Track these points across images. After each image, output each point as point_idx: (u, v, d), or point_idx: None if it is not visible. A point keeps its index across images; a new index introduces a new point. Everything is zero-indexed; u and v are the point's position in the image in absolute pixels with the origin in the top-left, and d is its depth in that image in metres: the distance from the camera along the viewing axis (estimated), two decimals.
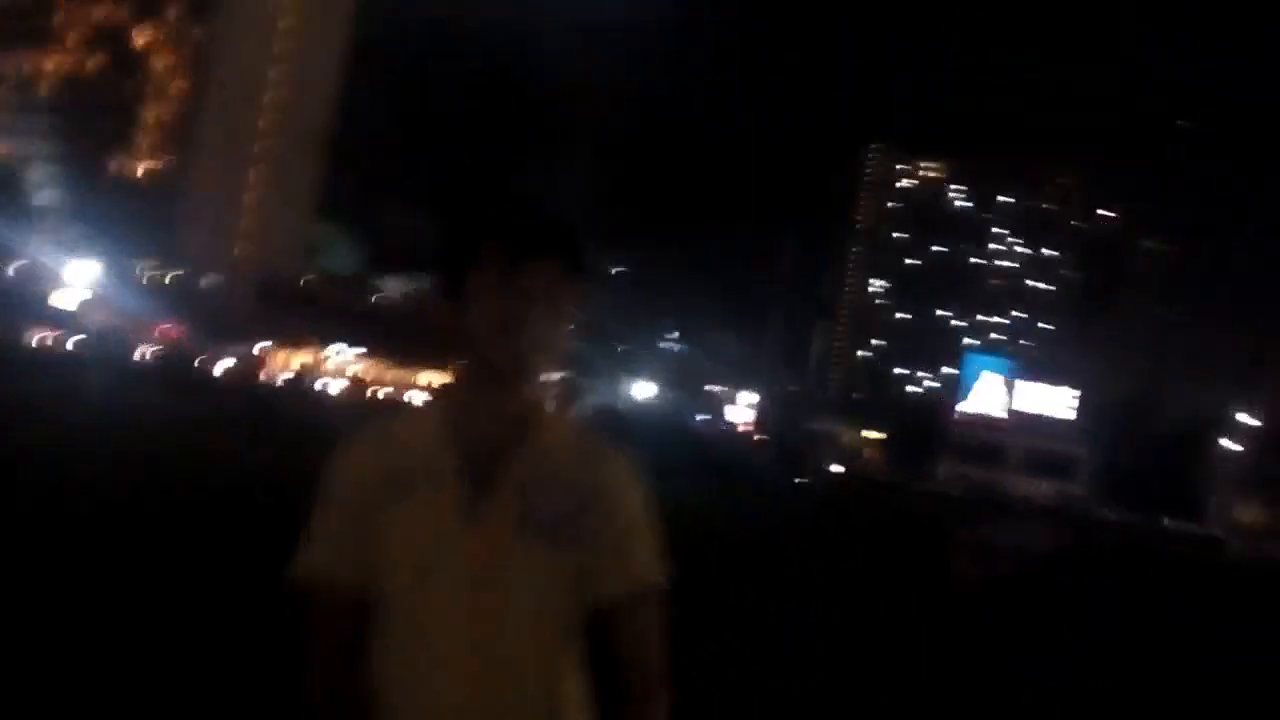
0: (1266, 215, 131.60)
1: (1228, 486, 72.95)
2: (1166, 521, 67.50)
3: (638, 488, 1.71)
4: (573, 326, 1.70)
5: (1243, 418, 72.13)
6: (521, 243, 1.61)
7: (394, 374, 61.05)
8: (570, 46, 71.70)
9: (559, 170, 69.48)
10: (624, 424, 35.51)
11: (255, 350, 56.65)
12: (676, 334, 74.38)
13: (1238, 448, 71.25)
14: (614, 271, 72.65)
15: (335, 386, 55.19)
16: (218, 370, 49.27)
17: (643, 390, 58.42)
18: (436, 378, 58.48)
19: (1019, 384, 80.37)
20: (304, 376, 56.64)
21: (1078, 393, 77.76)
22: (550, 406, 1.73)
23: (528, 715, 1.61)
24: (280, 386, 49.83)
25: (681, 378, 63.02)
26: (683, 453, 27.39)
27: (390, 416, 1.74)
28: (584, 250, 1.68)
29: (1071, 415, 76.54)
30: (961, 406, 77.48)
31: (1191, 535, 61.69)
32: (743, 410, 70.78)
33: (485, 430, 1.64)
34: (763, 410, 73.26)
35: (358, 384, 57.47)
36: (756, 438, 59.91)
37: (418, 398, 53.68)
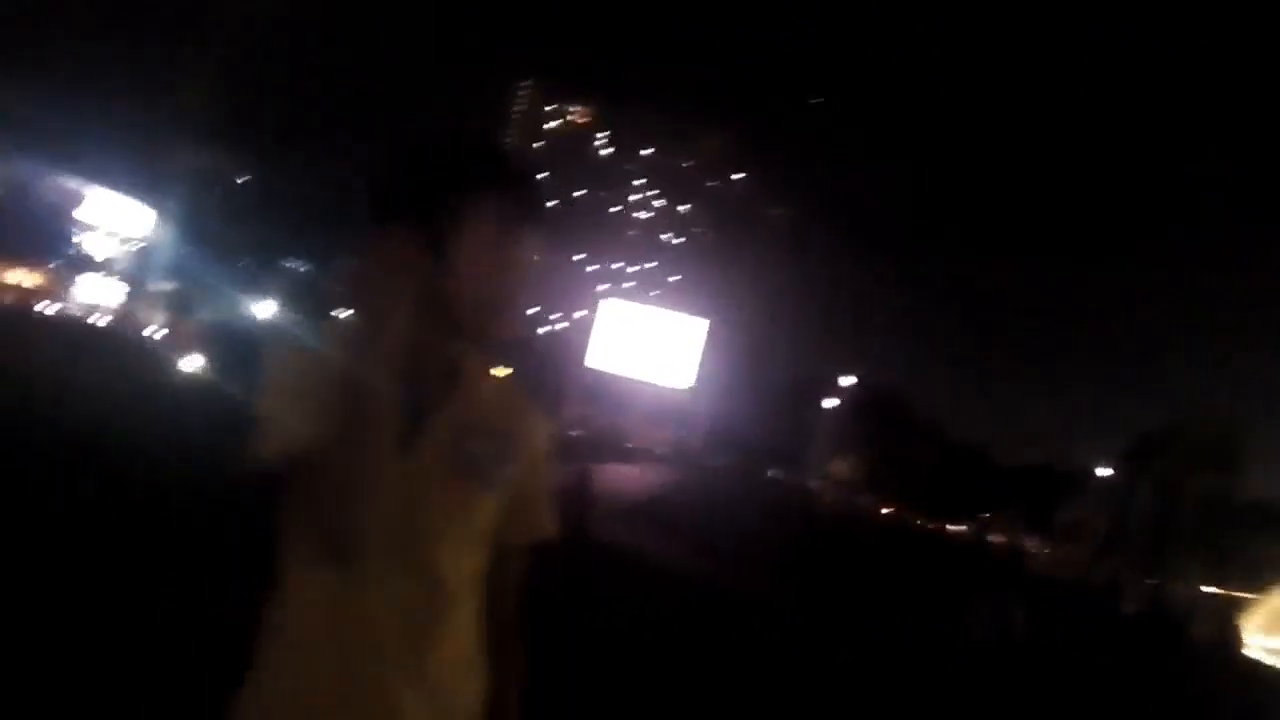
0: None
1: (826, 441, 78.53)
2: (771, 472, 71.88)
3: (550, 444, 1.83)
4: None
5: (844, 379, 77.39)
6: (520, 203, 1.70)
7: None
8: None
9: (191, 69, 64.22)
10: (236, 342, 33.13)
11: None
12: (301, 256, 70.86)
13: (836, 407, 76.57)
14: (240, 180, 68.26)
15: None
16: None
17: (264, 309, 55.23)
18: (28, 277, 53.10)
19: (654, 310, 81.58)
20: None
21: (707, 321, 78.85)
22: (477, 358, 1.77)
23: (461, 640, 1.67)
24: None
25: (306, 300, 60.10)
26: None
27: (316, 338, 1.71)
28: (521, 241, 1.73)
29: (698, 351, 77.48)
30: (591, 353, 77.93)
31: (790, 484, 65.98)
32: None
33: (426, 374, 1.66)
34: None
35: None
36: None
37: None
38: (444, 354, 1.71)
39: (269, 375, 1.65)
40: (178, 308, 54.70)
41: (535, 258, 1.74)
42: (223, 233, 59.84)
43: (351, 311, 1.64)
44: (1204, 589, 44.17)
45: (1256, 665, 22.18)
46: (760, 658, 9.64)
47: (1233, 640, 24.52)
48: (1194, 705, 13.21)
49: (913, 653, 12.39)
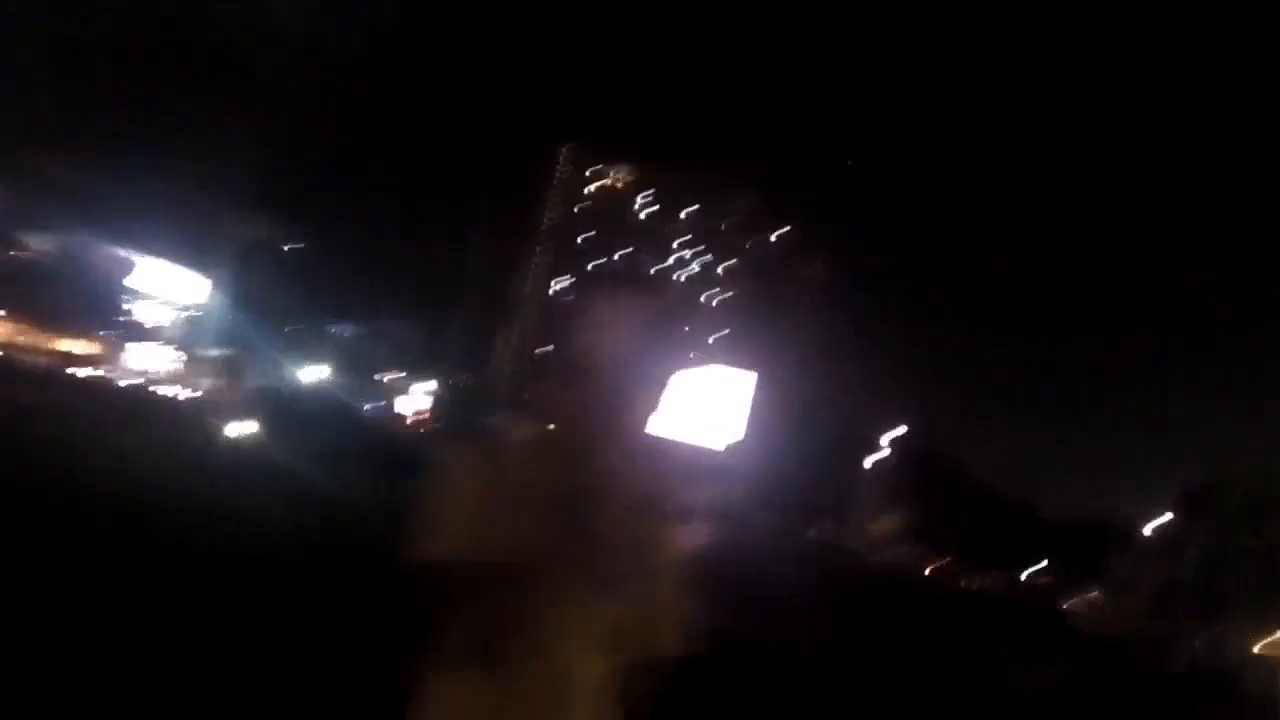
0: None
1: (869, 499, 78.01)
2: (813, 529, 71.45)
3: (686, 562, 1.96)
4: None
5: (887, 434, 77.06)
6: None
7: (33, 338, 55.37)
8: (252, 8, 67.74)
9: (234, 135, 65.64)
10: (285, 406, 33.66)
11: None
12: (350, 321, 71.78)
13: (880, 461, 76.19)
14: (287, 247, 69.46)
15: None
16: None
17: (310, 374, 56.00)
18: (78, 345, 54.21)
19: (708, 368, 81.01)
20: None
21: (755, 374, 77.97)
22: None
23: None
24: None
25: (353, 363, 60.86)
26: (348, 440, 26.18)
27: (493, 443, 1.91)
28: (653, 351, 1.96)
29: (747, 404, 76.52)
30: (654, 421, 77.05)
31: (832, 541, 65.44)
32: (415, 400, 69.20)
33: (576, 482, 1.80)
34: (437, 402, 71.90)
35: None
36: (423, 429, 58.85)
37: (57, 362, 49.55)
38: (589, 463, 1.84)
39: (447, 472, 1.82)
40: (228, 373, 55.64)
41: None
42: (272, 299, 60.80)
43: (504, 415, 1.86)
44: (1255, 647, 43.35)
45: None
46: (801, 709, 9.79)
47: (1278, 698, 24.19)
48: None
49: (949, 707, 12.46)
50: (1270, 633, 46.83)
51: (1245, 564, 55.36)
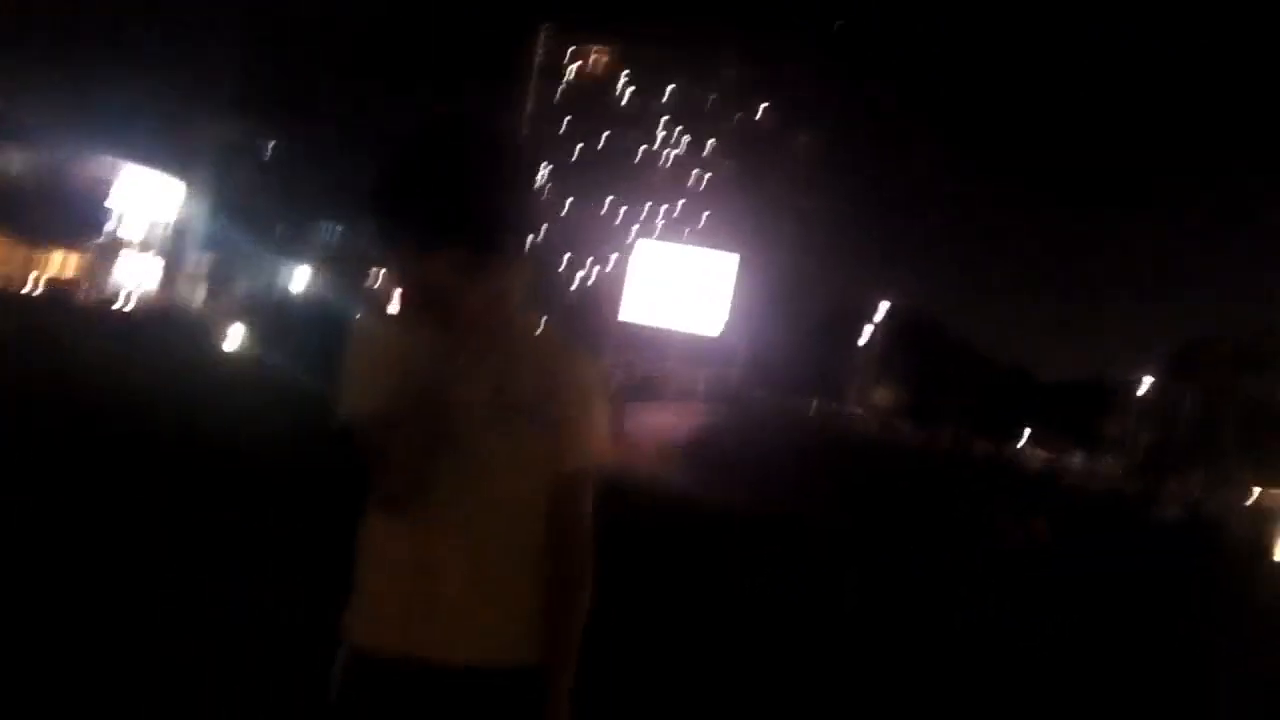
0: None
1: (865, 370, 78.68)
2: (812, 403, 72.13)
3: (596, 380, 2.02)
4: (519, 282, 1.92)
5: (880, 306, 77.36)
6: (423, 235, 1.78)
7: (11, 256, 54.99)
8: None
9: (206, 36, 64.28)
10: (278, 311, 33.63)
11: None
12: (334, 222, 71.15)
13: (875, 334, 76.65)
14: (268, 148, 68.61)
15: None
16: None
17: (299, 277, 55.80)
18: (60, 260, 53.82)
19: (685, 249, 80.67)
20: None
21: (737, 256, 77.13)
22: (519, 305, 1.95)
23: (524, 558, 1.92)
24: None
25: (341, 264, 60.54)
26: (336, 343, 26.20)
27: (376, 312, 2.04)
28: (494, 232, 1.82)
29: (730, 287, 75.86)
30: (626, 302, 77.22)
31: (831, 414, 66.11)
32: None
33: (465, 312, 1.83)
34: None
35: None
36: None
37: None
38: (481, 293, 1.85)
39: (347, 349, 1.96)
40: (216, 282, 55.42)
41: (478, 272, 1.84)
42: (255, 202, 60.23)
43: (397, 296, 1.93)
44: (1245, 498, 44.18)
45: None
46: (806, 577, 10.07)
47: (1268, 547, 24.76)
48: (1226, 606, 13.56)
49: (941, 564, 12.78)
50: (1261, 482, 47.67)
51: (1234, 417, 56.10)
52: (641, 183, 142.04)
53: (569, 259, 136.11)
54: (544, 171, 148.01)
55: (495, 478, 1.88)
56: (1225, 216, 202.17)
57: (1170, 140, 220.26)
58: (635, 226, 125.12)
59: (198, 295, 53.77)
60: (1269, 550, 24.80)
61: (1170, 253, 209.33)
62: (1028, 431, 76.77)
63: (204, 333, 30.52)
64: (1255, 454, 51.67)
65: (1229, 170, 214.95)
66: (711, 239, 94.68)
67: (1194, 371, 59.88)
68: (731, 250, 79.44)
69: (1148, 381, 64.57)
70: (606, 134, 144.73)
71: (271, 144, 69.79)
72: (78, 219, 52.72)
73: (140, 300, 51.04)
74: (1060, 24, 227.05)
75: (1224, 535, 23.71)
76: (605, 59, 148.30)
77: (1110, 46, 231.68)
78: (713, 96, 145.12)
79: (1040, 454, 67.94)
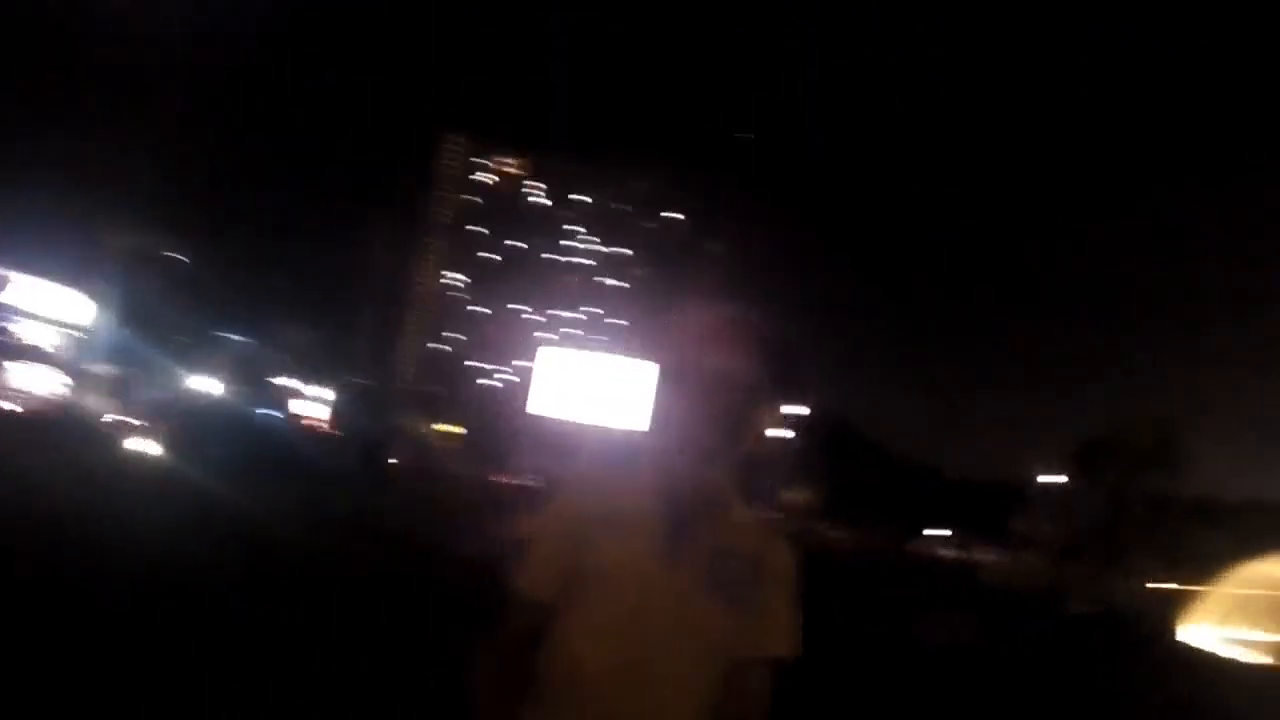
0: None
1: (783, 473, 78.98)
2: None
3: (795, 571, 2.01)
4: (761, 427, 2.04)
5: (793, 409, 78.01)
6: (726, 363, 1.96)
7: None
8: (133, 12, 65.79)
9: (112, 146, 63.86)
10: (183, 420, 33.00)
11: None
12: (241, 328, 70.42)
13: (789, 436, 77.12)
14: (170, 255, 67.96)
15: None
16: None
17: (203, 384, 54.87)
18: None
19: (597, 356, 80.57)
20: None
21: (656, 365, 77.37)
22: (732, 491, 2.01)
23: None
24: None
25: (245, 372, 59.72)
26: (248, 449, 25.77)
27: (602, 468, 2.07)
28: (770, 374, 2.01)
29: (650, 393, 76.08)
30: (533, 400, 76.87)
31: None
32: (313, 404, 68.25)
33: (686, 496, 1.93)
34: (337, 404, 71.00)
35: None
36: (325, 432, 58.07)
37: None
38: (701, 477, 1.96)
39: (543, 506, 1.96)
40: (119, 390, 54.21)
41: (755, 399, 2.00)
42: (159, 311, 59.38)
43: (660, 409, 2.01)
44: (1154, 586, 44.99)
45: (1197, 655, 22.90)
46: None
47: (1174, 632, 25.26)
48: (1136, 694, 13.77)
49: (867, 661, 12.80)
50: (1164, 574, 48.62)
51: (1137, 512, 57.38)
52: (554, 287, 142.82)
53: (479, 361, 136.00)
54: (458, 277, 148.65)
55: (673, 663, 1.84)
56: (1122, 319, 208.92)
57: (1070, 245, 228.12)
58: (549, 332, 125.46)
59: (103, 403, 52.48)
60: (1170, 635, 25.29)
61: (1073, 353, 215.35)
62: (944, 530, 77.52)
63: (105, 439, 29.82)
64: (1156, 546, 52.91)
65: (1129, 272, 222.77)
66: (626, 344, 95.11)
67: (1097, 468, 61.26)
68: (649, 357, 79.66)
69: (1056, 479, 65.77)
70: (520, 239, 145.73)
71: (176, 253, 69.12)
72: None
73: (38, 406, 49.66)
74: (964, 137, 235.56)
75: (1131, 625, 24.13)
76: (519, 166, 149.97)
77: (1010, 160, 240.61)
78: (624, 207, 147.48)
79: (956, 551, 68.54)
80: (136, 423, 35.17)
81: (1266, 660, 23.06)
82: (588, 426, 75.07)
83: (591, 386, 75.56)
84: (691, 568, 1.86)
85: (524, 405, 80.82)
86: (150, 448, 28.54)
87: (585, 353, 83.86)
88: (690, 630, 1.83)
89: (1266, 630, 25.80)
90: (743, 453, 1.98)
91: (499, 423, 74.35)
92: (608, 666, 1.81)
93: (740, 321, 2.07)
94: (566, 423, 75.11)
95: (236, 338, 70.01)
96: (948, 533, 76.35)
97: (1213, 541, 49.89)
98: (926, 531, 75.81)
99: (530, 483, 47.35)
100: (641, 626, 1.82)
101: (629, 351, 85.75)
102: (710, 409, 1.95)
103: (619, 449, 2.16)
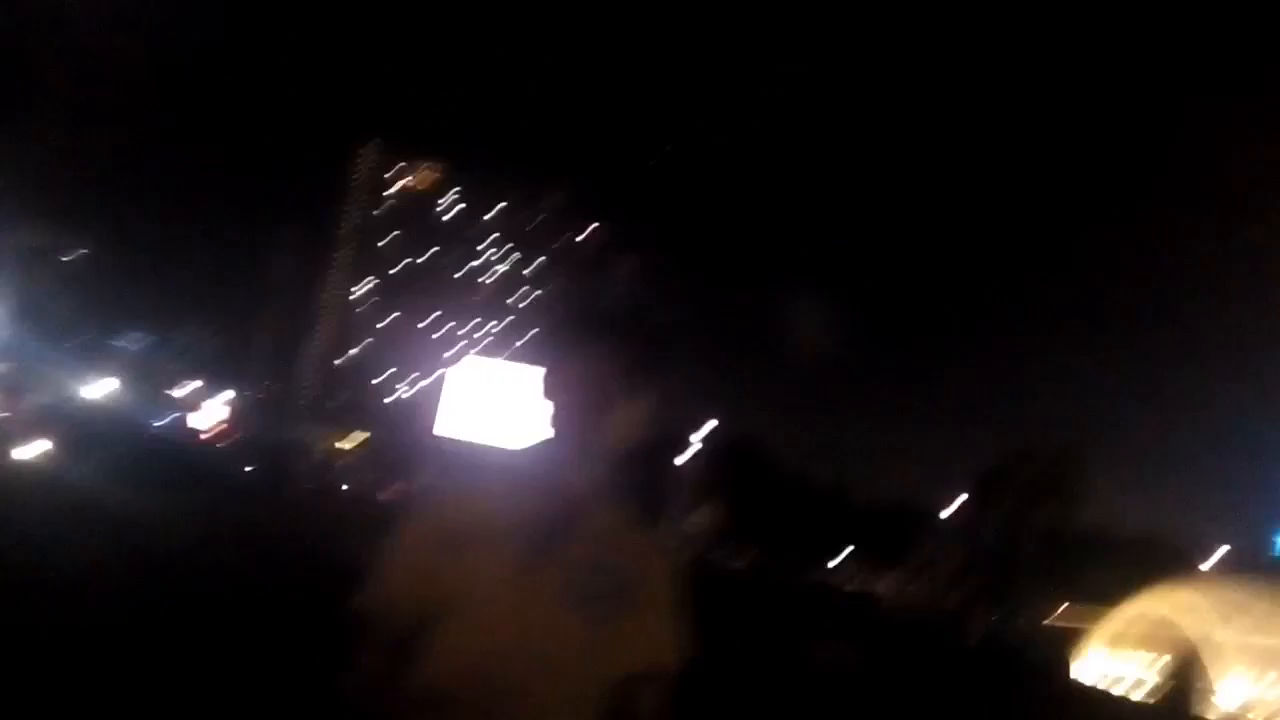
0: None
1: (679, 496, 79.24)
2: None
3: (672, 582, 1.91)
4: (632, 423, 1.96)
5: (697, 431, 78.40)
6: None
7: None
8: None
9: (15, 135, 62.03)
10: (72, 425, 32.03)
11: None
12: (139, 331, 68.78)
13: (689, 459, 77.47)
14: (68, 257, 66.15)
15: None
16: None
17: (96, 390, 53.35)
18: None
19: (499, 365, 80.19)
20: None
21: (542, 369, 76.97)
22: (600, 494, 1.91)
23: None
24: None
25: (142, 377, 58.30)
26: (139, 457, 25.15)
27: (471, 480, 1.93)
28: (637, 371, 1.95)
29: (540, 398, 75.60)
30: (440, 419, 76.26)
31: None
32: (210, 415, 66.73)
33: (551, 507, 1.83)
34: (234, 415, 69.50)
35: None
36: (220, 443, 56.97)
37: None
38: (566, 483, 1.88)
39: (407, 523, 1.85)
40: (8, 391, 52.49)
41: (624, 397, 1.95)
42: (52, 310, 57.77)
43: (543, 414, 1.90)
44: (1045, 618, 45.92)
45: (1087, 692, 23.35)
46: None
47: (1064, 667, 25.71)
48: None
49: (754, 690, 12.79)
50: (1057, 605, 49.61)
51: (1033, 542, 58.47)
52: (465, 299, 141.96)
53: (390, 373, 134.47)
54: (368, 286, 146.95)
55: (538, 683, 1.74)
56: (1028, 346, 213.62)
57: (979, 271, 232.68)
58: (456, 342, 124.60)
59: None
60: (1064, 669, 25.71)
61: (974, 379, 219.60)
62: (843, 553, 78.29)
63: None
64: (1052, 577, 53.89)
65: (1039, 300, 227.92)
66: (532, 359, 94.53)
67: (995, 497, 62.30)
68: (539, 363, 79.37)
69: (954, 506, 66.81)
70: (430, 250, 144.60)
71: (71, 251, 67.35)
72: None
73: None
74: (876, 151, 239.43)
75: (1025, 657, 24.49)
76: (431, 176, 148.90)
77: (923, 178, 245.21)
78: (538, 216, 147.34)
79: (855, 575, 69.31)
80: (23, 425, 34.07)
81: (1149, 700, 23.61)
82: (492, 440, 74.71)
83: (501, 398, 74.95)
84: (554, 583, 1.76)
85: (431, 418, 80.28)
86: (37, 451, 27.65)
87: (496, 362, 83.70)
88: (554, 649, 1.72)
89: (1154, 662, 26.41)
90: (613, 459, 1.91)
91: (402, 435, 73.57)
92: (470, 695, 1.69)
93: (599, 314, 2.00)
94: (472, 436, 74.68)
95: (134, 343, 68.41)
96: (846, 559, 77.18)
97: (1106, 573, 51.14)
98: (828, 559, 76.52)
99: (412, 497, 46.85)
100: (501, 649, 1.70)
101: (542, 362, 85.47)
102: (567, 407, 1.89)
103: (498, 460, 2.02)
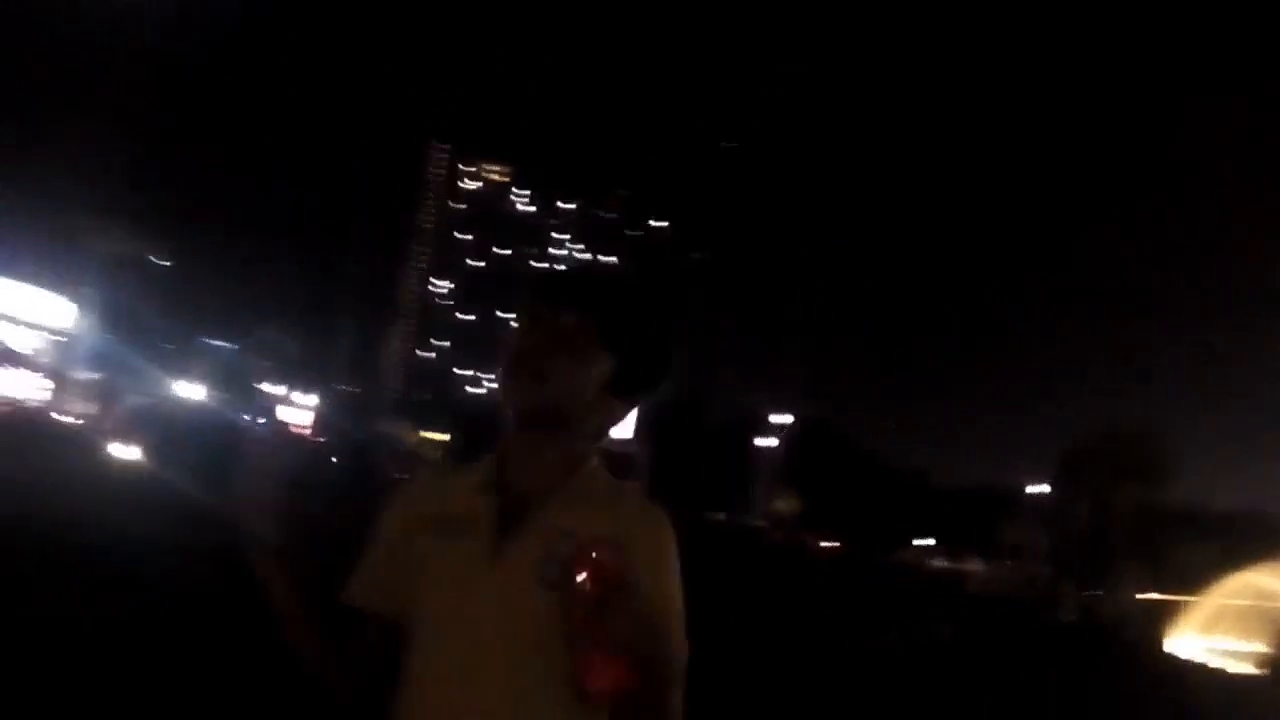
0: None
1: (765, 480, 79.03)
2: (720, 516, 72.21)
3: (671, 553, 1.63)
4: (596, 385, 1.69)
5: (776, 417, 78.07)
6: (545, 293, 1.71)
7: None
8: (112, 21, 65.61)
9: (96, 148, 63.58)
10: (166, 423, 32.84)
11: None
12: (225, 331, 70.32)
13: (773, 444, 77.18)
14: (153, 260, 67.78)
15: None
16: None
17: (188, 390, 54.61)
18: None
19: None
20: None
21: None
22: (594, 460, 1.72)
23: None
24: None
25: (231, 378, 59.54)
26: (231, 456, 25.67)
27: (451, 464, 1.86)
28: (617, 310, 1.72)
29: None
30: None
31: (739, 526, 66.28)
32: (298, 412, 67.96)
33: (524, 478, 1.66)
34: (321, 412, 70.78)
35: None
36: (310, 438, 57.94)
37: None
38: (539, 451, 1.69)
39: (380, 518, 1.77)
40: (103, 396, 53.86)
41: (584, 348, 1.70)
42: (143, 316, 59.19)
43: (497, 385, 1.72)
44: (1139, 596, 45.11)
45: (1184, 665, 22.91)
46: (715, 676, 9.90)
47: (1159, 642, 25.29)
48: (1121, 704, 13.73)
49: (847, 667, 12.75)
50: (1151, 583, 48.72)
51: (1124, 521, 57.57)
52: None
53: (468, 368, 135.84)
54: (444, 284, 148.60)
55: (517, 658, 1.57)
56: (1113, 327, 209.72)
57: (1062, 253, 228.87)
58: None
59: (85, 409, 52.15)
60: (1156, 645, 25.30)
61: (1063, 361, 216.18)
62: (929, 539, 77.64)
63: (86, 445, 29.62)
64: (1142, 557, 53.04)
65: (1123, 280, 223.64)
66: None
67: (1082, 478, 61.46)
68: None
69: (1041, 488, 66.06)
70: (504, 249, 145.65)
71: (161, 258, 68.95)
72: None
73: (16, 411, 49.36)
74: (955, 139, 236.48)
75: (1117, 635, 24.13)
76: (502, 177, 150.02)
77: (1002, 164, 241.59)
78: (610, 215, 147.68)
79: (942, 560, 68.70)
80: (117, 428, 34.90)
81: (1252, 670, 23.09)
82: None
83: None
84: (520, 560, 1.57)
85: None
86: (131, 454, 28.30)
87: None
88: (522, 631, 1.53)
89: (1252, 641, 25.83)
90: (595, 424, 1.70)
91: (484, 430, 74.19)
92: (445, 691, 1.57)
93: (571, 273, 1.87)
94: None
95: (220, 343, 69.87)
96: (934, 542, 76.53)
97: (1199, 552, 50.11)
98: (915, 541, 75.95)
99: None
100: (467, 638, 1.57)
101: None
102: (522, 360, 1.66)
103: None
